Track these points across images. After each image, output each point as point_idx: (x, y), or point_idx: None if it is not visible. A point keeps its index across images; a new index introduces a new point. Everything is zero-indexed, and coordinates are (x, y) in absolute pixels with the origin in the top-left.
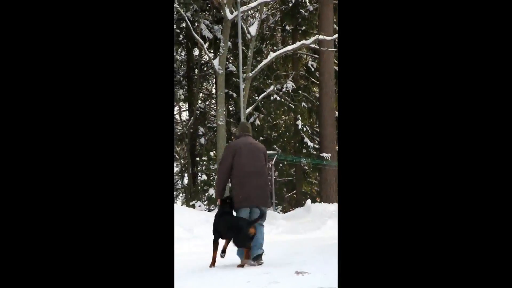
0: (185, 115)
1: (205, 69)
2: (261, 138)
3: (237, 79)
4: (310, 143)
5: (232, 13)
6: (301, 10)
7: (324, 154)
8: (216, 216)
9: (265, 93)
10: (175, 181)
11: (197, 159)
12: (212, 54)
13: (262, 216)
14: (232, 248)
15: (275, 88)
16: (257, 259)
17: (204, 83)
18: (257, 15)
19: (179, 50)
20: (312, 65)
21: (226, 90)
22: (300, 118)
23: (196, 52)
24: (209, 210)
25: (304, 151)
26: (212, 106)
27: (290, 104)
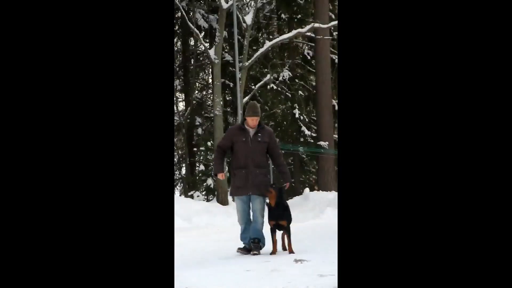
0: (181, 105)
1: (201, 59)
2: None
3: (234, 69)
4: (307, 132)
5: (227, 2)
6: None
7: (322, 143)
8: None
9: (262, 82)
10: None
11: (195, 149)
12: (208, 44)
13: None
14: (231, 236)
15: (272, 77)
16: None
17: (201, 73)
18: (252, 3)
19: (175, 40)
20: (308, 54)
21: (223, 80)
22: (297, 107)
23: (192, 42)
24: (208, 200)
25: (302, 139)
26: (209, 96)
27: (287, 93)
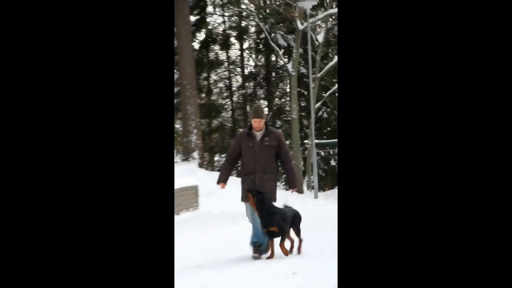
0: (265, 110)
1: (280, 72)
2: (328, 128)
3: (308, 80)
4: None
5: (302, 24)
6: None
7: None
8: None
9: (331, 90)
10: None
11: None
12: (287, 59)
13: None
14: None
15: None
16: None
17: (280, 84)
18: (323, 25)
19: (259, 56)
20: None
21: (298, 89)
22: None
23: (273, 58)
24: (286, 189)
25: None
26: (287, 102)
27: None
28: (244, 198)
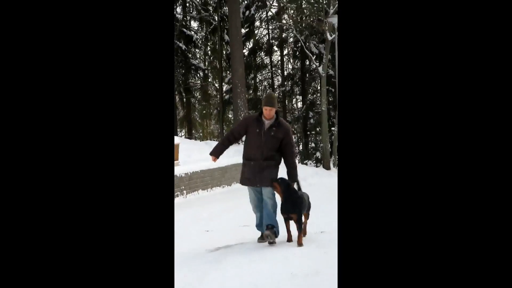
0: (300, 104)
1: (313, 73)
2: None
3: (335, 79)
4: None
5: (331, 35)
6: None
7: None
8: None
9: None
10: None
11: (308, 133)
12: (318, 63)
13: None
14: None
15: None
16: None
17: (312, 83)
18: None
19: (296, 61)
20: None
21: (327, 87)
22: None
23: (307, 62)
24: (317, 166)
25: None
26: (318, 97)
27: None
28: (265, 183)
